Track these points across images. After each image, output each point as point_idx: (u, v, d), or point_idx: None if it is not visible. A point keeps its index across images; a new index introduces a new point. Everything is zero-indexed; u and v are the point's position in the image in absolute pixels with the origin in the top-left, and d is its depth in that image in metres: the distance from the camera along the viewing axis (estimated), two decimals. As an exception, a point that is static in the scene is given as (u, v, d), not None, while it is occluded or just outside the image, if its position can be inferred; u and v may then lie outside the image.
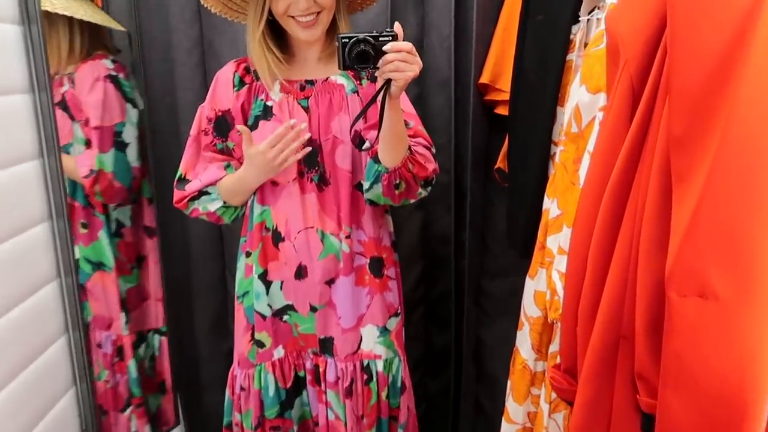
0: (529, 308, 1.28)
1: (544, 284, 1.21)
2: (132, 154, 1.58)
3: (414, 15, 1.64)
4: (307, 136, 1.23)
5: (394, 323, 1.41)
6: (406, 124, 1.25)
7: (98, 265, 1.58)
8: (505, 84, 1.59)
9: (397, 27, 1.09)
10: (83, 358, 1.41)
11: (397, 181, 1.23)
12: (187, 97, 1.64)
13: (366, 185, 1.27)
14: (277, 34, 1.28)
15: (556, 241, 1.12)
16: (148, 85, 1.64)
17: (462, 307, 1.84)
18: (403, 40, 1.09)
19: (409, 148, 1.22)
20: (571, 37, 1.32)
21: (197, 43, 1.64)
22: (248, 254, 1.36)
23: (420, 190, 1.28)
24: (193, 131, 1.34)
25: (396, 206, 1.34)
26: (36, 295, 1.28)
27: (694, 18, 0.70)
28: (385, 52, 1.07)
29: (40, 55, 1.25)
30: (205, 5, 1.29)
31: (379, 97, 1.12)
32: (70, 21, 1.45)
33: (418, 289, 1.82)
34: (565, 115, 1.17)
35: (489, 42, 1.64)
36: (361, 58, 1.08)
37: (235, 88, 1.30)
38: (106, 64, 1.55)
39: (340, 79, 1.30)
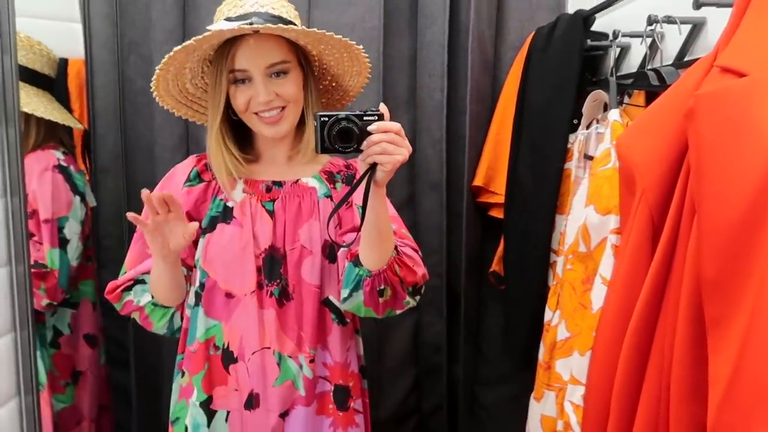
0: (535, 434, 1.18)
1: (552, 409, 1.13)
2: (71, 252, 1.45)
3: (405, 117, 1.63)
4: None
5: None
6: None
7: (28, 385, 1.39)
8: (499, 186, 1.57)
9: (383, 107, 0.95)
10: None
11: (382, 287, 1.05)
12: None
13: (344, 293, 1.08)
14: (241, 132, 1.17)
15: (567, 367, 1.04)
16: (128, 181, 1.57)
17: (456, 418, 1.72)
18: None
19: (395, 248, 1.06)
20: (569, 146, 1.31)
21: (183, 141, 1.59)
22: (183, 374, 1.17)
23: (407, 298, 1.10)
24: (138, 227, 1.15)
25: (379, 319, 1.15)
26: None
27: (721, 157, 0.67)
28: (370, 133, 0.92)
29: (15, 159, 1.19)
30: (163, 104, 1.18)
31: (358, 190, 0.97)
32: (27, 114, 1.38)
33: (409, 400, 1.71)
34: (568, 230, 1.13)
35: (481, 146, 1.62)
36: (343, 137, 0.93)
37: (188, 183, 1.16)
38: (55, 154, 1.46)
39: (312, 181, 1.16)
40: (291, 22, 1.09)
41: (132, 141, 1.56)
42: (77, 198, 1.49)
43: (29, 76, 1.45)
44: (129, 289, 1.16)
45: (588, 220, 1.00)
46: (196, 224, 1.03)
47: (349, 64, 1.17)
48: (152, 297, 1.14)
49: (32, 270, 1.37)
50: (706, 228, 0.68)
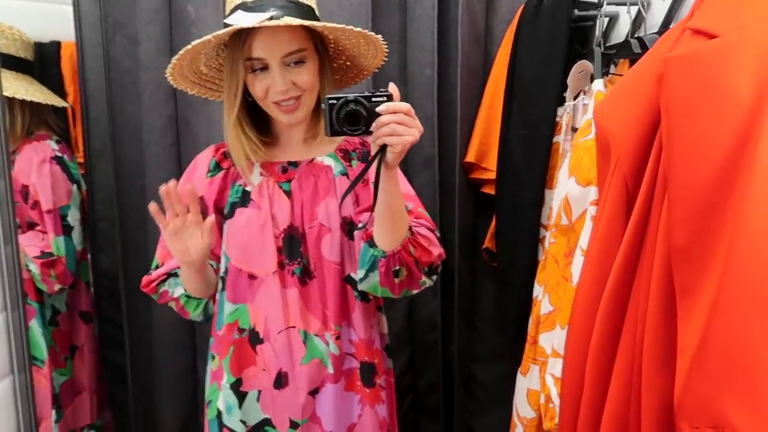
0: (522, 408, 1.18)
1: (537, 383, 1.12)
2: (76, 237, 1.53)
3: (396, 94, 1.61)
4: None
5: None
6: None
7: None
8: (491, 162, 1.55)
9: (392, 87, 0.94)
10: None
11: (397, 267, 1.05)
12: (159, 178, 1.57)
13: (360, 274, 1.09)
14: (258, 114, 1.17)
15: (549, 341, 1.04)
16: (118, 165, 1.57)
17: (452, 395, 1.72)
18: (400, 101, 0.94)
19: (410, 228, 1.06)
20: (558, 119, 1.29)
21: (172, 122, 1.58)
22: (213, 357, 1.20)
23: (424, 278, 1.09)
24: None
25: (396, 299, 1.15)
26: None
27: (692, 121, 0.65)
28: (379, 114, 0.92)
29: (1, 143, 1.19)
30: (177, 86, 1.18)
31: (373, 168, 0.97)
32: (10, 99, 1.39)
33: (404, 378, 1.71)
34: (554, 205, 1.11)
35: (473, 121, 1.60)
36: (351, 119, 0.93)
37: (209, 174, 1.19)
38: (50, 145, 1.49)
39: (327, 160, 1.17)
40: (308, 6, 1.09)
41: (120, 123, 1.56)
42: (75, 186, 1.53)
43: (5, 61, 1.45)
44: (163, 281, 1.20)
45: (569, 193, 0.98)
46: (212, 217, 1.05)
47: (366, 48, 1.17)
48: (185, 290, 1.18)
49: (41, 260, 1.45)
50: (676, 194, 0.67)
